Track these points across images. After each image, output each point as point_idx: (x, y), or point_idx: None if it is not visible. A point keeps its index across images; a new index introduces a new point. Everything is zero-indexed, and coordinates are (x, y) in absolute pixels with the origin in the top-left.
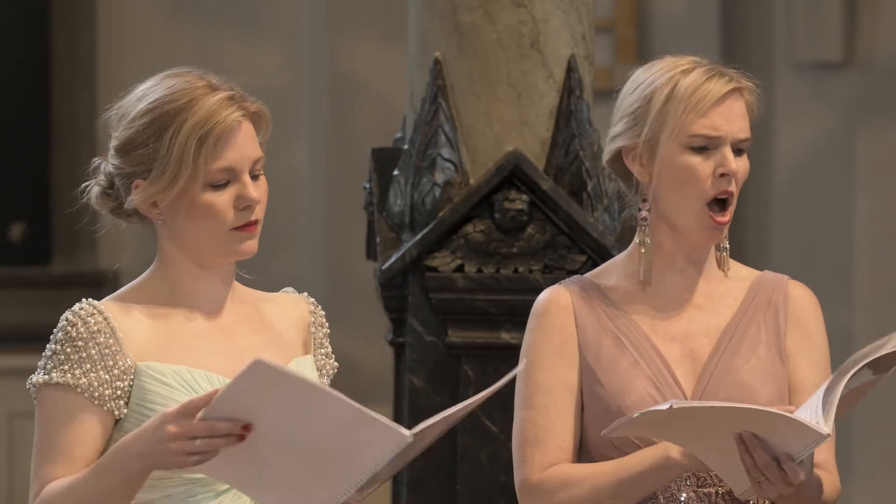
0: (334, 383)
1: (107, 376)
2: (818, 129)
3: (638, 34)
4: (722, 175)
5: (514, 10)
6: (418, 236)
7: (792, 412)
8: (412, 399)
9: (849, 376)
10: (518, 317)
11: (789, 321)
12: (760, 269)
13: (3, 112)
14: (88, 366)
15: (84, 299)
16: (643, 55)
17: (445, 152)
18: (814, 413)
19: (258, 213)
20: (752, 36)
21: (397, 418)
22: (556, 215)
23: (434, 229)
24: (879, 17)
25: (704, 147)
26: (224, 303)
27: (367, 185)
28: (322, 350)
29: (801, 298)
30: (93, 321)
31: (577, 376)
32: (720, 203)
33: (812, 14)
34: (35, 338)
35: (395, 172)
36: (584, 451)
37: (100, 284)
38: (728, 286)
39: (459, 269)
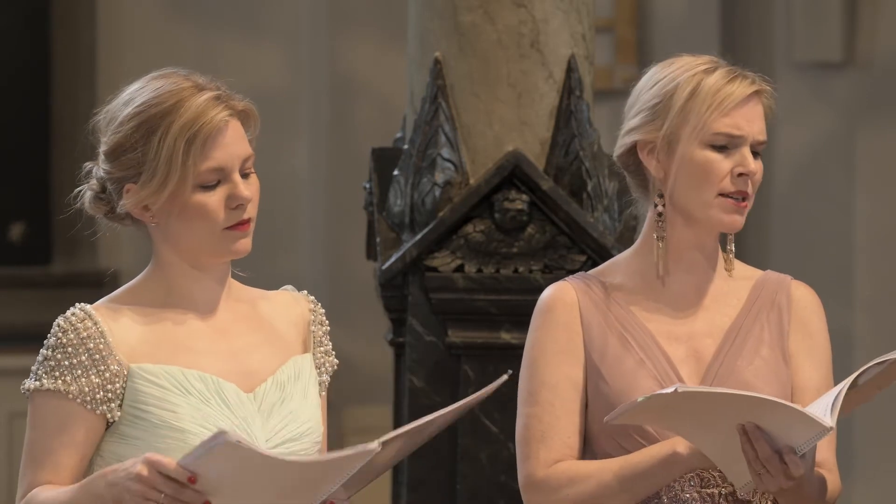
0: (334, 382)
1: (98, 380)
2: (818, 129)
3: (638, 34)
4: (740, 175)
5: (514, 10)
6: (418, 236)
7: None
8: (412, 399)
9: (855, 375)
10: (518, 317)
11: (792, 322)
12: (761, 269)
13: (3, 112)
14: (79, 371)
15: (76, 304)
16: (643, 55)
17: (445, 152)
18: (821, 408)
19: (250, 211)
20: (752, 36)
21: (397, 418)
22: (556, 215)
23: (434, 229)
24: (879, 17)
25: (725, 146)
26: (220, 302)
27: (367, 185)
28: (322, 348)
29: (804, 299)
30: (83, 327)
31: (583, 374)
32: (737, 196)
33: (812, 14)
34: (35, 338)
35: (395, 172)
36: (587, 449)
37: (100, 284)
38: (732, 286)
39: (459, 269)
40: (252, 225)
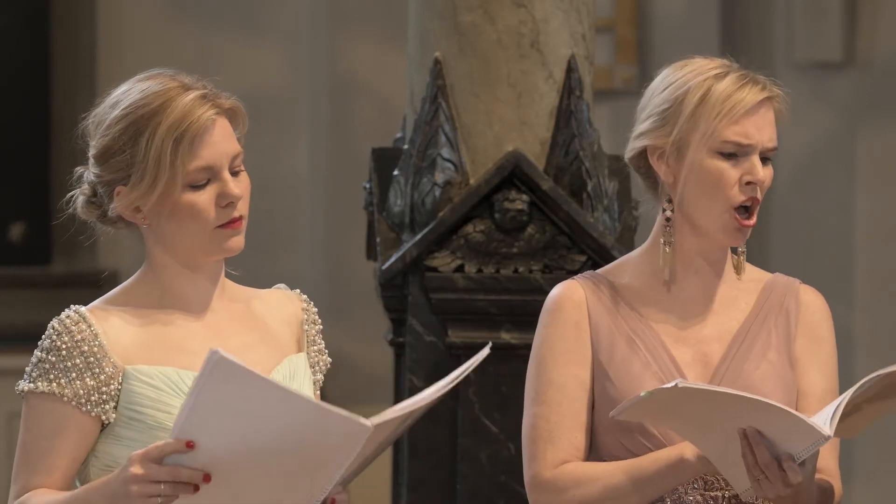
0: (334, 382)
1: (93, 382)
2: (818, 129)
3: (638, 34)
4: (748, 183)
5: (514, 10)
6: (418, 236)
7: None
8: None
9: (858, 385)
10: (518, 317)
11: (800, 327)
12: (761, 269)
13: (3, 112)
14: (74, 374)
15: (70, 306)
16: (643, 55)
17: (445, 152)
18: (823, 417)
19: (241, 209)
20: (752, 36)
21: None
22: (556, 215)
23: (434, 229)
24: (879, 17)
25: (734, 154)
26: (214, 302)
27: (367, 185)
28: (315, 347)
29: (812, 304)
30: (77, 329)
31: (590, 374)
32: (745, 209)
33: (812, 14)
34: (35, 338)
35: (395, 172)
36: (592, 451)
37: (100, 284)
38: (740, 289)
39: (459, 269)
40: (244, 223)
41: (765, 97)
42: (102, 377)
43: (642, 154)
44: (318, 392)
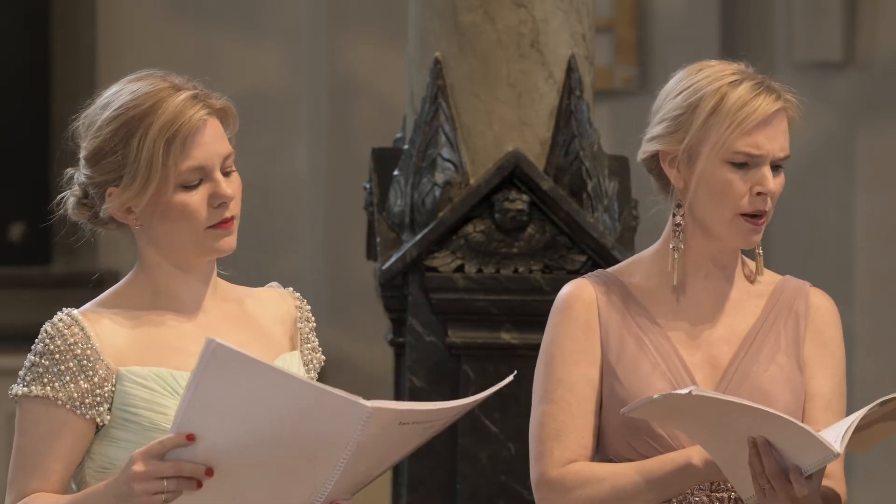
0: (334, 382)
1: (87, 385)
2: (818, 129)
3: (638, 34)
4: (758, 194)
5: (514, 10)
6: (418, 236)
7: (816, 430)
8: (412, 399)
9: (874, 403)
10: (518, 317)
11: (809, 329)
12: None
13: (3, 112)
14: (68, 377)
15: (63, 309)
16: (643, 55)
17: (445, 152)
18: (834, 434)
19: (233, 209)
20: (752, 36)
21: None
22: (556, 215)
23: (434, 229)
24: (879, 17)
25: (744, 164)
26: (206, 302)
27: (367, 185)
28: (309, 345)
29: (822, 307)
30: (69, 333)
31: (599, 373)
32: (754, 216)
33: (812, 14)
34: (35, 338)
35: (395, 172)
36: (599, 451)
37: (91, 285)
38: (750, 292)
39: (459, 269)
40: (235, 223)
41: (778, 107)
42: (96, 379)
43: (654, 157)
44: None
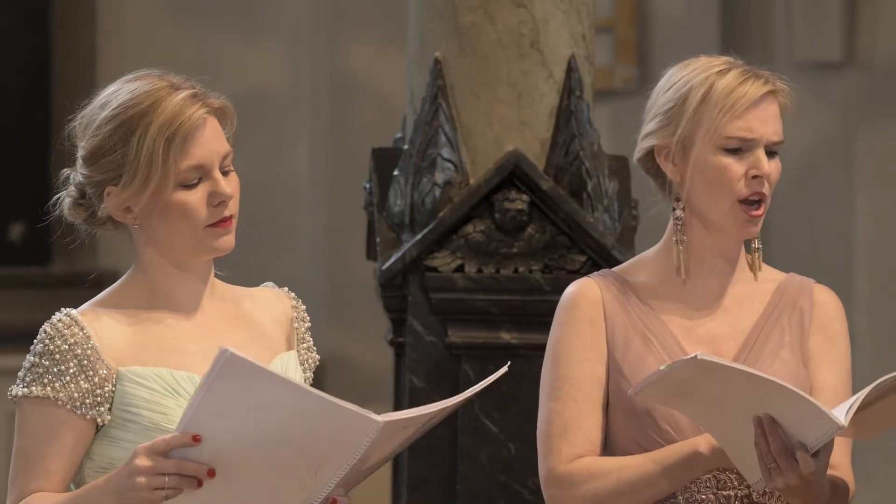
0: (334, 382)
1: (87, 385)
2: (818, 129)
3: (638, 34)
4: (754, 177)
5: (514, 10)
6: (418, 236)
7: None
8: (412, 399)
9: (879, 381)
10: (518, 317)
11: (813, 325)
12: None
13: (3, 112)
14: (68, 378)
15: (61, 310)
16: (643, 55)
17: (445, 152)
18: (838, 409)
19: (232, 208)
20: (752, 36)
21: None
22: (556, 215)
23: (434, 229)
24: (879, 17)
25: (738, 149)
26: (204, 302)
27: (367, 185)
28: (304, 344)
29: (826, 303)
30: (69, 333)
31: (605, 371)
32: (753, 202)
33: (812, 14)
34: (34, 338)
35: (395, 172)
36: (606, 447)
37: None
38: (755, 288)
39: (459, 269)
40: (234, 222)
41: (767, 91)
42: (96, 380)
43: (650, 154)
44: None
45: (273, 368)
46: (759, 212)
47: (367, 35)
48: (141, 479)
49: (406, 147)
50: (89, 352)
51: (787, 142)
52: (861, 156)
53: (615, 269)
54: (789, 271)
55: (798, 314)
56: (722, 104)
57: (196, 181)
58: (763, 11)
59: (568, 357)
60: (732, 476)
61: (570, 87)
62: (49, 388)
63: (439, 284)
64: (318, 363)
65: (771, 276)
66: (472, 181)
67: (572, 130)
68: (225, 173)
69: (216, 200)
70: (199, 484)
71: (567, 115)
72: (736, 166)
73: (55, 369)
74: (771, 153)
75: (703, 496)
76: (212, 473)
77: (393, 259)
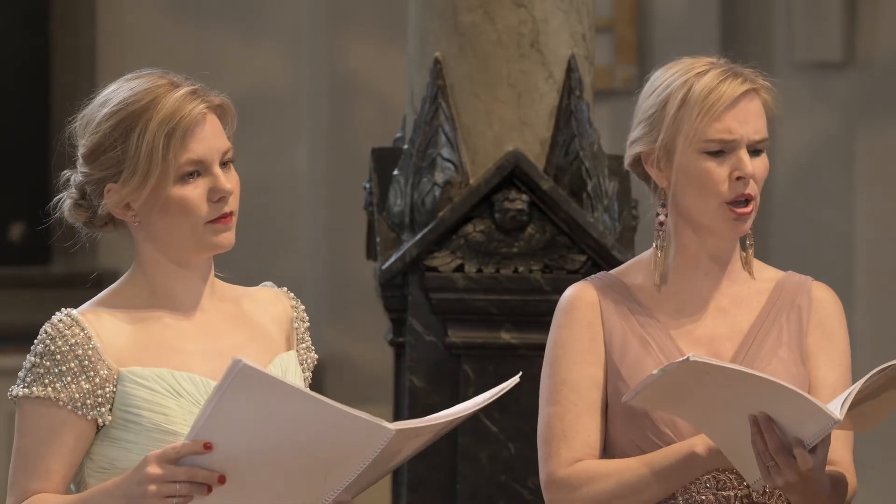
0: (334, 382)
1: (88, 386)
2: (818, 129)
3: (638, 34)
4: (738, 178)
5: (514, 10)
6: (418, 236)
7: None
8: (412, 399)
9: (871, 373)
10: (518, 317)
11: (812, 322)
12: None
13: (3, 112)
14: (69, 378)
15: (62, 310)
16: (643, 55)
17: (445, 152)
18: (833, 404)
19: (232, 204)
20: (752, 36)
21: (397, 418)
22: (556, 215)
23: (434, 229)
24: (879, 17)
25: (720, 151)
26: (204, 301)
27: (367, 185)
28: (304, 344)
29: (824, 300)
30: (70, 333)
31: (603, 374)
32: (740, 203)
33: (812, 14)
34: (35, 338)
35: (395, 172)
36: (606, 450)
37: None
38: (752, 288)
39: (459, 269)
40: (234, 219)
41: (745, 89)
42: (97, 380)
43: (637, 161)
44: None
45: (287, 379)
46: (748, 209)
47: (367, 35)
48: (152, 487)
49: (406, 147)
50: (90, 352)
51: (787, 142)
52: (861, 156)
53: (612, 271)
54: (789, 271)
55: (796, 312)
56: (699, 107)
57: (196, 174)
58: (763, 11)
59: (566, 361)
60: (732, 476)
61: (570, 87)
62: (50, 388)
63: (439, 284)
64: (316, 362)
65: (769, 275)
66: (472, 181)
67: (572, 130)
68: (225, 170)
69: (216, 196)
70: (210, 490)
71: (567, 115)
72: (719, 169)
73: (56, 370)
74: (756, 151)
75: (703, 497)
76: (222, 480)
77: (393, 259)
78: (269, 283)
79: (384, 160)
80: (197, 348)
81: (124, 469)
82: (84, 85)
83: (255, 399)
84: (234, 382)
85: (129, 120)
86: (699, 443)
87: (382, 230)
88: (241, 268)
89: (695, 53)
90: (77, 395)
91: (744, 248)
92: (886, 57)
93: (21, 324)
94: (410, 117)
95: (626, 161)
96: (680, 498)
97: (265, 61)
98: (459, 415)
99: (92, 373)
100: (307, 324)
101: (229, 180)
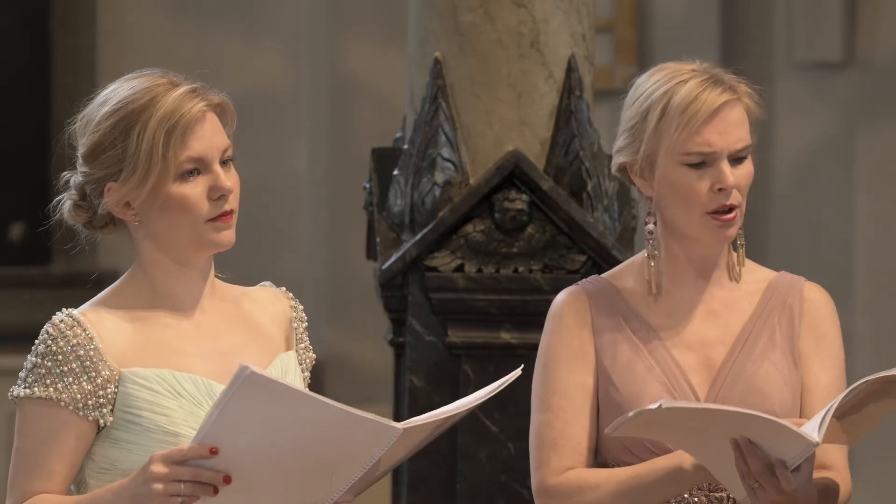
0: (334, 382)
1: (90, 386)
2: (818, 129)
3: (638, 34)
4: (720, 190)
5: (514, 10)
6: (418, 236)
7: (799, 424)
8: (412, 399)
9: (847, 391)
10: (518, 317)
11: (804, 323)
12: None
13: (3, 112)
14: (71, 379)
15: (63, 310)
16: (643, 55)
17: (445, 152)
18: (812, 424)
19: (232, 202)
20: (752, 36)
21: (397, 418)
22: (556, 215)
23: (434, 229)
24: (879, 17)
25: (701, 163)
26: (204, 301)
27: (367, 185)
28: (303, 344)
29: (816, 301)
30: (72, 334)
31: (594, 380)
32: (723, 211)
33: (812, 14)
34: (35, 338)
35: (395, 172)
36: (598, 456)
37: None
38: (743, 290)
39: (459, 269)
40: (234, 217)
41: (725, 100)
42: (99, 381)
43: (624, 168)
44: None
45: (293, 384)
46: (731, 216)
47: (367, 35)
48: (157, 486)
49: (406, 147)
50: (92, 353)
51: (787, 142)
52: (861, 156)
53: (604, 274)
54: (782, 271)
55: (788, 313)
56: (679, 120)
57: (196, 172)
58: (763, 11)
59: (556, 367)
60: None
61: (570, 87)
62: (51, 388)
63: (439, 284)
64: (314, 362)
65: (761, 276)
66: (472, 181)
67: (572, 130)
68: (225, 168)
69: (216, 194)
70: (216, 491)
71: (567, 115)
72: (700, 182)
73: (57, 370)
74: (738, 159)
75: (696, 499)
76: (227, 480)
77: (393, 259)
78: (267, 283)
79: (384, 160)
80: (197, 349)
81: (125, 470)
82: (84, 85)
83: (261, 404)
84: (241, 389)
85: (129, 118)
86: (686, 459)
87: (382, 230)
88: (241, 268)
89: (695, 53)
90: (78, 396)
91: (734, 248)
92: (886, 57)
93: (21, 324)
94: (410, 117)
95: (613, 168)
96: (672, 500)
97: (265, 61)
98: (462, 409)
99: (94, 373)
100: (306, 323)
101: (229, 178)
